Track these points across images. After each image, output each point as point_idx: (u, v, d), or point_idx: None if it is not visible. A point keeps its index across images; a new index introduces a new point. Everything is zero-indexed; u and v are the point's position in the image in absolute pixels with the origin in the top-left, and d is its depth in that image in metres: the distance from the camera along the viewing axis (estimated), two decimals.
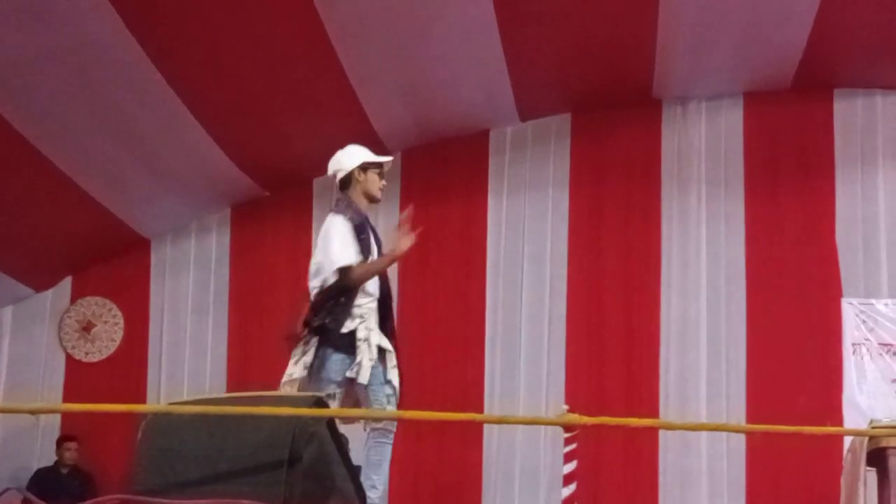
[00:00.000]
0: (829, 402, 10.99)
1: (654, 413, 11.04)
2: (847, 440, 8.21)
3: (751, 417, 11.04)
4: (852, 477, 7.40)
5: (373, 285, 6.90)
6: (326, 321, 6.69)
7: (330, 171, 7.20)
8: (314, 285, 6.86)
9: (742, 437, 10.88)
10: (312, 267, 6.96)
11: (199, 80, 9.69)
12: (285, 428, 5.71)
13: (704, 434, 11.00)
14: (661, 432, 11.02)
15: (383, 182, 7.20)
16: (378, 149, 11.49)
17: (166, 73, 9.38)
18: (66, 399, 11.63)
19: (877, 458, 7.34)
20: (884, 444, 7.23)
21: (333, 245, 6.82)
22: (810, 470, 10.43)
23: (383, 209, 11.84)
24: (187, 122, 10.12)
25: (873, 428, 7.47)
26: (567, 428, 6.87)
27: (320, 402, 6.03)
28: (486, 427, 11.26)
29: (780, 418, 10.81)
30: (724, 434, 10.96)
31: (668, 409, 11.15)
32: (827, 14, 9.87)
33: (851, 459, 7.61)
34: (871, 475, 7.57)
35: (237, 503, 5.50)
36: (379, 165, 7.16)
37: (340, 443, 6.01)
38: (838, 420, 10.88)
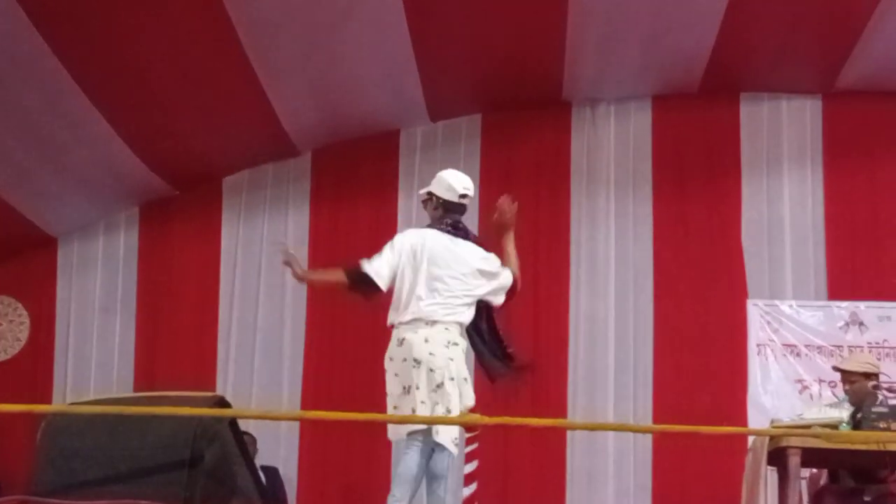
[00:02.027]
0: (733, 401, 11.10)
1: (562, 412, 11.10)
2: (750, 439, 8.33)
3: (657, 417, 11.14)
4: (753, 476, 7.52)
5: None
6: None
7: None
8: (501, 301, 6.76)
9: (648, 437, 10.97)
10: (495, 284, 6.82)
11: (106, 77, 9.59)
12: (187, 428, 5.70)
13: (611, 434, 11.07)
14: (569, 432, 11.07)
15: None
16: (287, 148, 11.64)
17: (73, 70, 9.29)
18: None
19: (777, 457, 7.47)
20: (784, 443, 7.35)
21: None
22: (714, 469, 10.50)
23: (293, 211, 11.92)
24: (94, 120, 10.03)
25: (773, 427, 7.59)
26: (468, 428, 6.86)
27: (222, 402, 6.01)
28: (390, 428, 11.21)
29: (686, 418, 10.96)
30: (631, 433, 11.04)
31: (577, 408, 11.22)
32: (732, 19, 9.97)
33: (753, 459, 7.73)
34: (773, 474, 7.70)
35: (137, 503, 5.47)
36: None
37: (243, 442, 5.99)
38: (743, 420, 11.00)
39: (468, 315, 6.70)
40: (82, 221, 11.98)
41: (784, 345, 11.21)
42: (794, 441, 7.31)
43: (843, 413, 7.62)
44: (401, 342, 6.61)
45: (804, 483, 8.25)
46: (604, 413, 11.18)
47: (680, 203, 11.56)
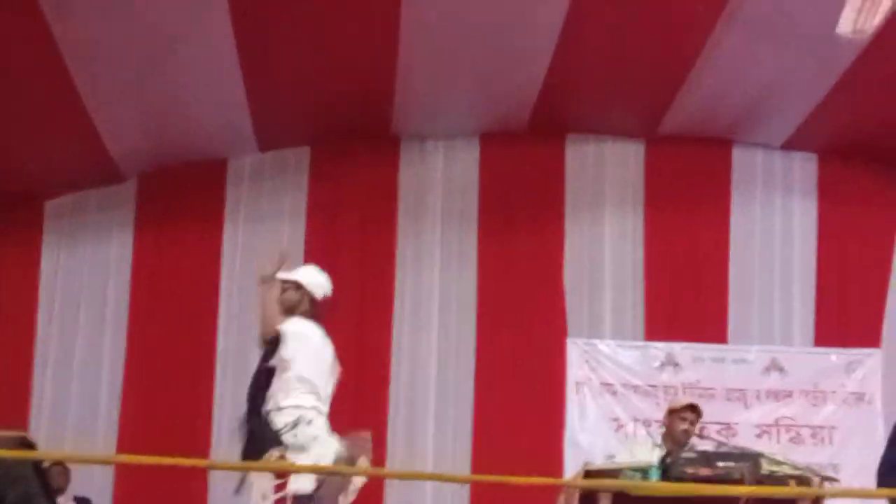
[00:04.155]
0: (551, 439, 11.27)
1: (380, 449, 11.06)
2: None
3: (477, 453, 11.24)
4: None
5: None
6: None
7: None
8: None
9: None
10: None
11: None
12: None
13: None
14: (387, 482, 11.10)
15: None
16: (112, 173, 11.45)
17: None
18: None
19: (589, 499, 7.54)
20: (595, 488, 7.43)
21: None
22: None
23: (117, 237, 11.73)
24: None
25: (586, 472, 7.65)
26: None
27: (26, 443, 5.86)
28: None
29: (505, 455, 11.07)
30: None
31: (396, 445, 11.26)
32: (560, 62, 10.14)
33: (565, 497, 7.80)
34: None
35: None
36: None
37: (47, 483, 5.85)
38: (560, 458, 11.17)
39: None
40: None
41: (602, 383, 11.40)
42: (606, 485, 7.40)
43: (653, 456, 7.76)
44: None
45: None
46: (423, 448, 11.25)
47: (505, 240, 11.68)
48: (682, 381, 11.37)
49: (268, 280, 7.01)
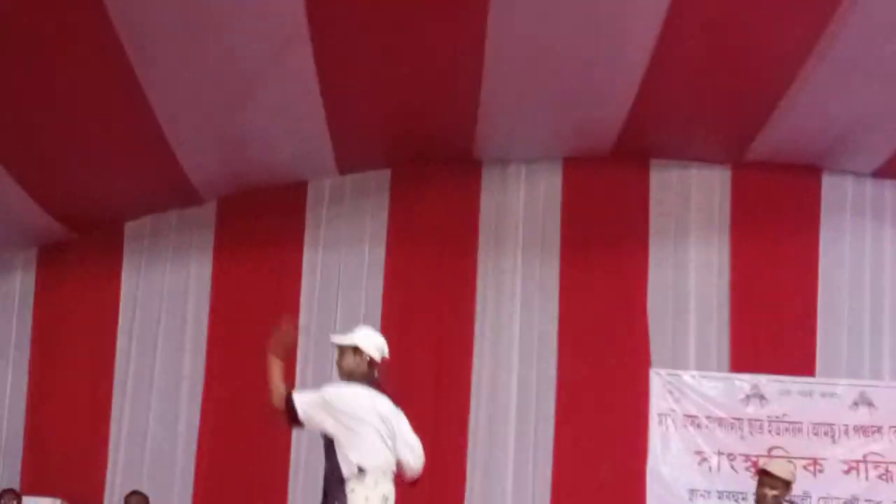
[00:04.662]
0: (633, 471, 11.07)
1: (460, 480, 11.02)
2: None
3: (557, 485, 11.09)
4: None
5: None
6: None
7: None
8: None
9: None
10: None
11: (3, 123, 9.33)
12: None
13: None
14: None
15: None
16: (191, 196, 11.43)
17: None
18: None
19: None
20: None
21: None
22: None
23: (196, 260, 11.72)
24: None
25: None
26: None
27: None
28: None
29: (586, 487, 10.96)
30: None
31: (475, 476, 11.16)
32: (648, 89, 9.89)
33: None
34: None
35: None
36: None
37: None
38: (642, 490, 10.99)
39: None
40: None
41: (685, 415, 11.18)
42: None
43: None
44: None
45: None
46: (503, 479, 11.13)
47: (587, 268, 11.48)
48: (769, 415, 11.11)
49: (278, 353, 6.87)
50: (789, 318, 11.34)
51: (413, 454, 7.02)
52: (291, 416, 6.71)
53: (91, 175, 10.62)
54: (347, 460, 6.67)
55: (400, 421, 6.98)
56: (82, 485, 11.21)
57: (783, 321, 11.33)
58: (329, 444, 6.74)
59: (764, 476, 7.90)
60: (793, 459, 10.46)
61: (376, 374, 7.00)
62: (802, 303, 11.36)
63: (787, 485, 7.86)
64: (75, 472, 11.23)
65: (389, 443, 6.83)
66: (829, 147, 10.98)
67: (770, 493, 7.76)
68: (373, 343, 7.03)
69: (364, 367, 6.95)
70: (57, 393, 11.52)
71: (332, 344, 7.07)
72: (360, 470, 6.67)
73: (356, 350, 6.97)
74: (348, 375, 6.93)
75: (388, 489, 6.76)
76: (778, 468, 8.02)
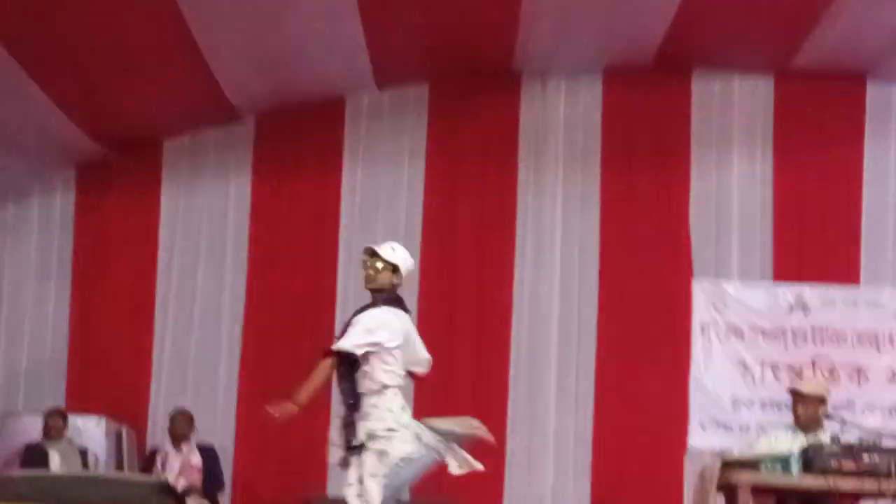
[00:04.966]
0: (676, 381, 11.09)
1: (503, 391, 11.03)
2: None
3: (599, 395, 11.10)
4: (701, 500, 7.42)
5: None
6: None
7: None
8: None
9: (589, 422, 11.00)
10: None
11: (38, 40, 9.23)
12: None
13: (552, 420, 11.05)
14: (510, 418, 11.00)
15: None
16: (230, 114, 11.38)
17: (3, 36, 8.95)
18: None
19: (726, 485, 7.37)
20: (734, 480, 7.28)
21: None
22: (654, 468, 10.69)
23: (235, 177, 11.69)
24: (24, 83, 9.67)
25: (724, 463, 7.46)
26: None
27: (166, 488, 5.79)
28: None
29: (628, 396, 10.96)
30: (573, 417, 11.05)
31: (518, 383, 11.18)
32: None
33: (701, 485, 7.61)
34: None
35: None
36: None
37: None
38: (684, 400, 10.99)
39: None
40: (16, 185, 11.65)
41: (728, 325, 11.15)
42: (745, 478, 7.27)
43: (794, 445, 7.53)
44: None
45: None
46: (545, 387, 11.14)
47: (628, 179, 11.41)
48: (812, 324, 11.07)
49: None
50: (833, 228, 11.26)
51: (422, 368, 7.19)
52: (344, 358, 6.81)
53: (128, 93, 10.55)
54: (372, 378, 6.81)
55: (416, 335, 7.14)
56: (127, 403, 11.28)
57: (827, 230, 11.26)
58: (350, 365, 6.83)
59: (795, 395, 7.86)
60: (823, 371, 10.56)
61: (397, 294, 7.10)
62: (846, 212, 11.28)
63: (821, 400, 7.81)
64: (119, 390, 11.29)
65: (409, 359, 7.00)
66: (875, 55, 10.82)
67: (804, 412, 7.72)
68: (409, 266, 7.13)
69: (395, 286, 7.04)
70: (99, 312, 11.56)
71: (374, 252, 7.05)
72: (385, 386, 6.80)
73: (395, 269, 7.03)
74: (378, 289, 7.02)
75: (403, 401, 6.91)
76: (808, 386, 7.98)
